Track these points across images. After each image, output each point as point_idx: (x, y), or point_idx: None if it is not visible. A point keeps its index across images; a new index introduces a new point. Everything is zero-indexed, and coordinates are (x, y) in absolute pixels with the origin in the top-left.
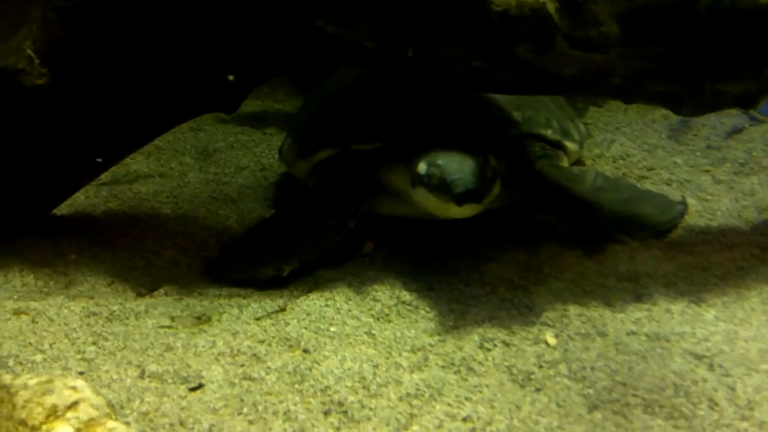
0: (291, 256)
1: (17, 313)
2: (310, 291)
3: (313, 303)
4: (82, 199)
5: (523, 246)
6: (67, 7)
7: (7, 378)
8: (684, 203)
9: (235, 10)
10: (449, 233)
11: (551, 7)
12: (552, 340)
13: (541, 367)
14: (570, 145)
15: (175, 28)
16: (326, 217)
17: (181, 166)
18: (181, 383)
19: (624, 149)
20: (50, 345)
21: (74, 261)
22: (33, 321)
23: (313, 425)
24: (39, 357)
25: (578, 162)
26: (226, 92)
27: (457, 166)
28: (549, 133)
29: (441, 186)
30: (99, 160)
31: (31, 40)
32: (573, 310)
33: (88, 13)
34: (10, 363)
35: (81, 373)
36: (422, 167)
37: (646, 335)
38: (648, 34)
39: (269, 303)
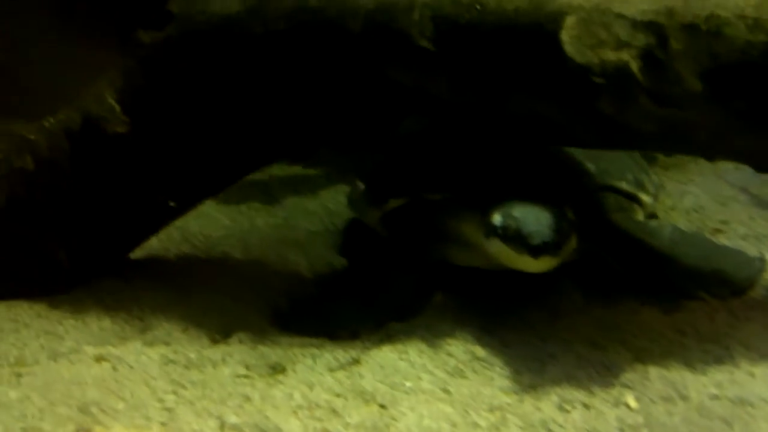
0: (367, 318)
1: (98, 359)
2: (381, 342)
3: (386, 356)
4: (156, 243)
5: (598, 300)
6: (148, 57)
7: (98, 429)
8: (762, 260)
9: (312, 61)
10: (522, 284)
11: (634, 65)
12: (633, 403)
13: (623, 431)
14: (645, 198)
15: (253, 75)
16: (399, 273)
17: (249, 210)
18: None
19: (697, 201)
20: (131, 393)
21: (149, 305)
22: (114, 368)
23: None
24: (121, 405)
25: (651, 214)
26: (302, 141)
27: (534, 218)
28: (624, 185)
29: (517, 238)
30: (172, 204)
31: (113, 89)
32: (653, 371)
33: (168, 63)
34: (93, 410)
35: (163, 424)
36: (497, 218)
37: (730, 399)
38: (732, 90)
39: (342, 354)
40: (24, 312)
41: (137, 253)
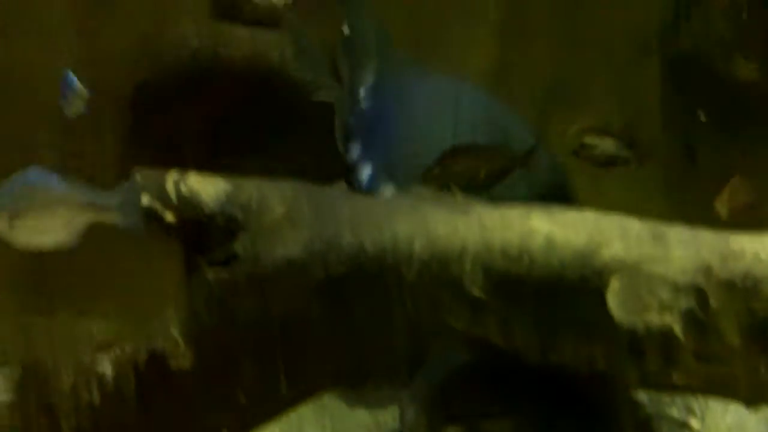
0: None
1: None
2: None
3: None
4: None
5: None
6: (214, 297)
7: None
8: None
9: (369, 303)
10: None
11: (677, 328)
12: None
13: None
14: (693, 423)
15: (315, 318)
16: None
17: (298, 419)
18: None
19: (739, 419)
20: None
21: None
22: None
23: None
24: None
25: None
26: (356, 372)
27: None
28: (675, 411)
29: None
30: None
31: (178, 323)
32: None
33: (233, 305)
34: None
35: None
36: None
37: None
38: None
39: None
40: None
41: None
